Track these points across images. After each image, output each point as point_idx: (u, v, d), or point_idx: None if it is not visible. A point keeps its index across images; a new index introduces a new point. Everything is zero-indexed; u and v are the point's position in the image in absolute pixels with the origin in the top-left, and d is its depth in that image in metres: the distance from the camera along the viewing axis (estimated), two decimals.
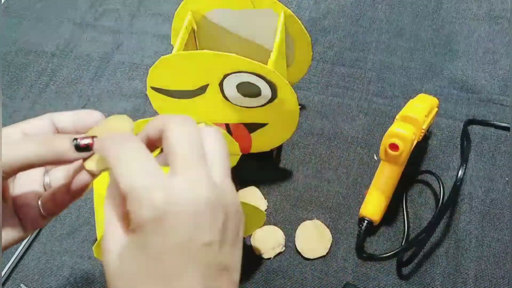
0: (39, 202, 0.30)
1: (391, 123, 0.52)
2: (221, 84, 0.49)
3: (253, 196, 0.60)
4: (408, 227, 0.56)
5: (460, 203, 0.58)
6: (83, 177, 0.28)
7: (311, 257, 0.55)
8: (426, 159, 0.62)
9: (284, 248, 0.56)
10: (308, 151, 0.64)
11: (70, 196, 0.29)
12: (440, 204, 0.52)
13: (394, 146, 0.50)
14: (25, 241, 0.58)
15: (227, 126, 0.55)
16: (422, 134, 0.53)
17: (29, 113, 0.73)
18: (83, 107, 0.73)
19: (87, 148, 0.27)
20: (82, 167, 0.28)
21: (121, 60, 0.78)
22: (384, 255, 0.54)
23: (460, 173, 0.50)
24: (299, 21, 0.54)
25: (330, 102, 0.68)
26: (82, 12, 0.86)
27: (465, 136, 0.59)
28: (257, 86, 0.48)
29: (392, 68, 0.71)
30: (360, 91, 0.69)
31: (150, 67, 0.48)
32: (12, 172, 0.26)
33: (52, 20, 0.85)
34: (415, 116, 0.51)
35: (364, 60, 0.73)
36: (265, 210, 0.59)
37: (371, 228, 0.55)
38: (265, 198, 0.60)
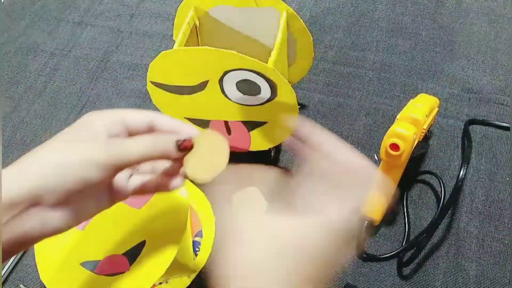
0: (128, 183, 0.34)
1: (392, 123, 0.51)
2: (221, 81, 0.48)
3: (253, 196, 0.59)
4: (409, 227, 0.56)
5: (460, 203, 0.57)
6: (176, 183, 0.34)
7: None
8: (426, 159, 0.62)
9: None
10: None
11: (156, 190, 0.35)
12: (440, 204, 0.52)
13: (394, 146, 0.50)
14: None
15: (226, 124, 0.54)
16: (423, 134, 0.53)
17: (28, 112, 0.73)
18: (82, 107, 0.72)
19: (187, 149, 0.32)
20: (176, 172, 0.34)
21: (120, 60, 0.77)
22: (385, 256, 0.54)
23: (461, 173, 0.50)
24: (301, 21, 0.54)
25: (330, 101, 0.68)
26: (81, 11, 0.85)
27: (466, 136, 0.59)
28: (257, 84, 0.48)
29: (393, 68, 0.71)
30: (360, 91, 0.69)
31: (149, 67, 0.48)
32: (129, 165, 0.30)
33: (51, 20, 0.85)
34: (416, 116, 0.51)
35: (365, 59, 0.73)
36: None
37: (372, 229, 0.55)
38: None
